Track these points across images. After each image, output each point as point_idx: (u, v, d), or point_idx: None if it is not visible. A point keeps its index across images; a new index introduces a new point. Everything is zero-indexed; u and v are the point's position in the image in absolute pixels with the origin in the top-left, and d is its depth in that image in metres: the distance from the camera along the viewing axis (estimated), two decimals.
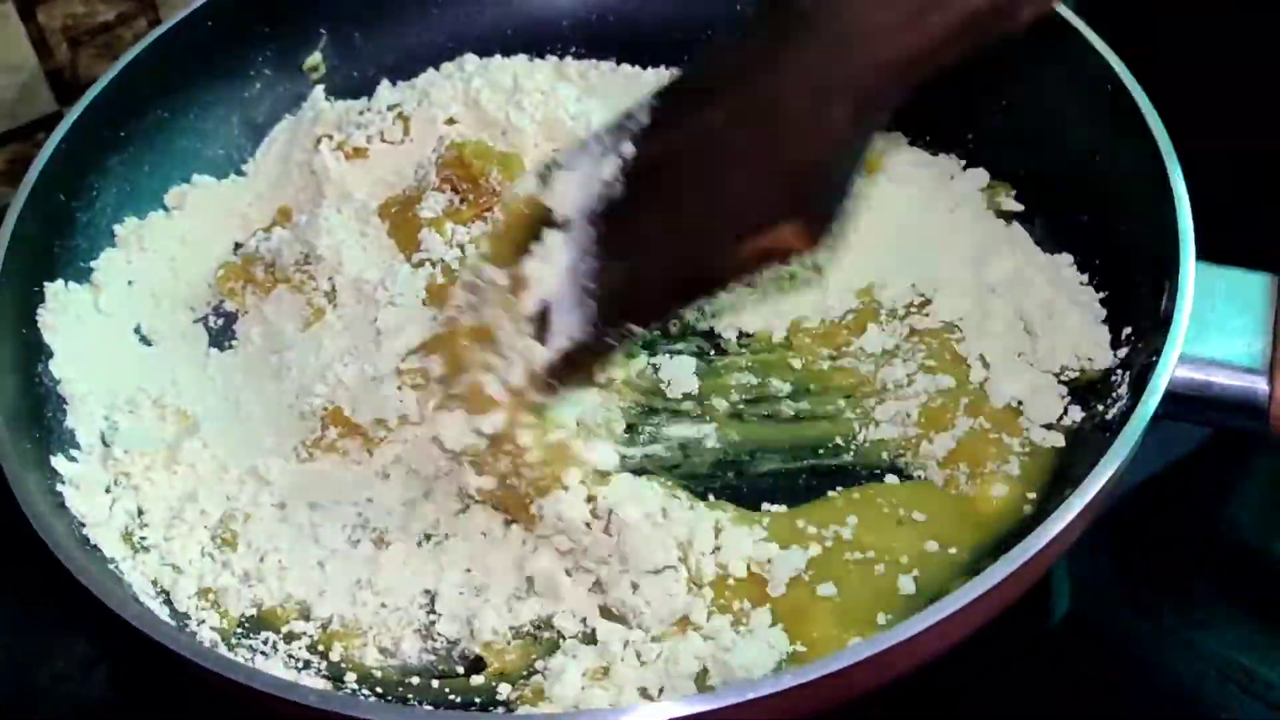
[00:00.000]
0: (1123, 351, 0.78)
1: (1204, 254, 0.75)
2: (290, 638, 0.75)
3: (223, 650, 0.71)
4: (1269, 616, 0.81)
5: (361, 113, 0.99)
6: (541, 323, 0.72)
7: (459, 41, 1.05)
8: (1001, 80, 0.91)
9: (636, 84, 1.01)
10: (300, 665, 0.73)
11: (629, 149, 0.70)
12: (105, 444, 0.82)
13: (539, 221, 0.73)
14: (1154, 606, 0.81)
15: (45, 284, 0.85)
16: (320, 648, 0.74)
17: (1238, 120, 1.01)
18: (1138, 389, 0.71)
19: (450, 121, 0.95)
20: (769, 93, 0.65)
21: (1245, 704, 0.76)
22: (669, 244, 0.68)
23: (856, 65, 0.63)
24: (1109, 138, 0.85)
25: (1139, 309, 0.78)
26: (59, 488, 0.76)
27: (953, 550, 0.75)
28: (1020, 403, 0.80)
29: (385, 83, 1.02)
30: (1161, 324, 0.73)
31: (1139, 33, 0.85)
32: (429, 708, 0.70)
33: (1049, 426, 0.79)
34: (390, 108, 0.97)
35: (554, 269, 0.71)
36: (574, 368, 0.72)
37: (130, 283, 0.91)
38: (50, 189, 0.87)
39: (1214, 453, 0.86)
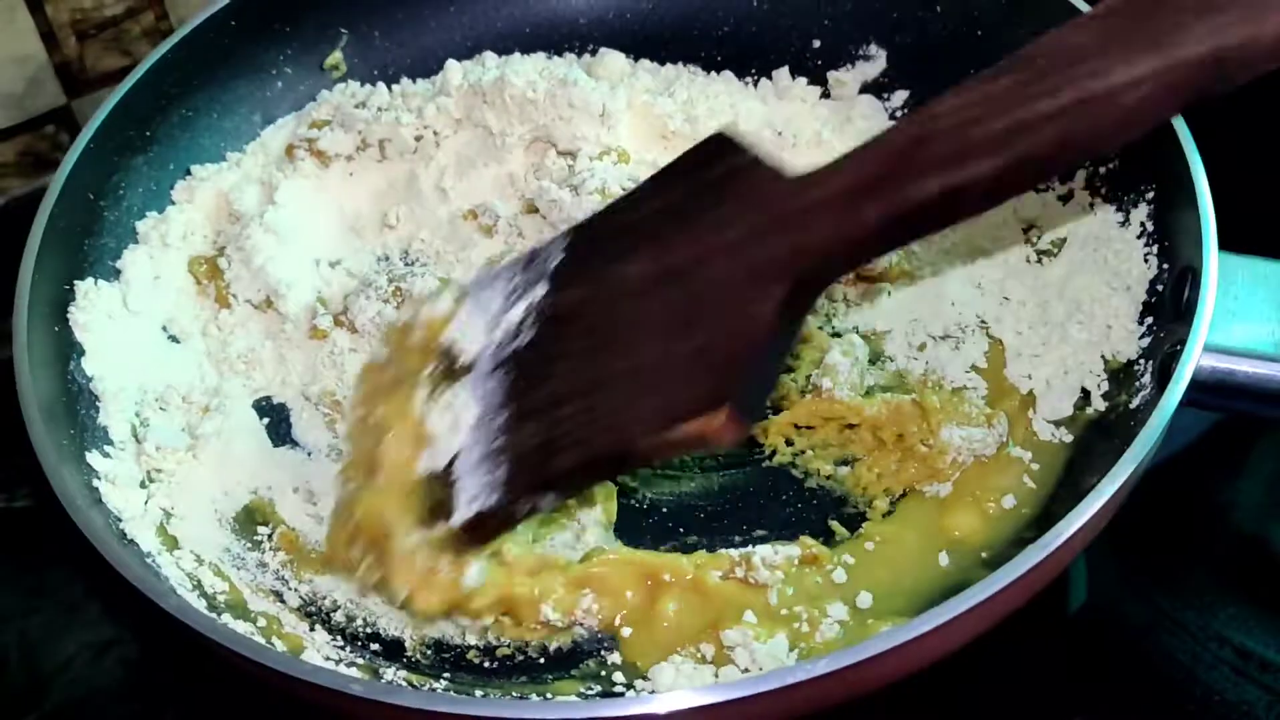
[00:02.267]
0: (1146, 341, 0.79)
1: (1223, 243, 0.75)
2: (328, 626, 0.76)
3: (259, 639, 0.72)
4: (1268, 602, 0.82)
5: (363, 104, 0.99)
6: (445, 481, 0.68)
7: (477, 40, 1.06)
8: None
9: (658, 79, 1.02)
10: (339, 657, 0.74)
11: (542, 291, 0.66)
12: (137, 440, 0.83)
13: (442, 362, 0.69)
14: (1154, 592, 0.82)
15: (76, 282, 0.86)
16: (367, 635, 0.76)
17: (1256, 108, 1.01)
18: (1163, 379, 0.72)
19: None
20: (698, 264, 0.62)
21: (1242, 686, 0.77)
22: (587, 419, 0.63)
23: (783, 255, 0.59)
24: None
25: (1161, 299, 0.79)
26: (95, 483, 0.77)
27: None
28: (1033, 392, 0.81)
29: (405, 80, 1.03)
30: (1184, 314, 0.74)
31: None
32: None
33: (1058, 423, 0.80)
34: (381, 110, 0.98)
35: (460, 423, 0.67)
36: (479, 534, 0.67)
37: (156, 278, 0.91)
38: (79, 189, 0.88)
39: (1215, 441, 0.88)
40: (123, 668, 0.82)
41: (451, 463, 0.67)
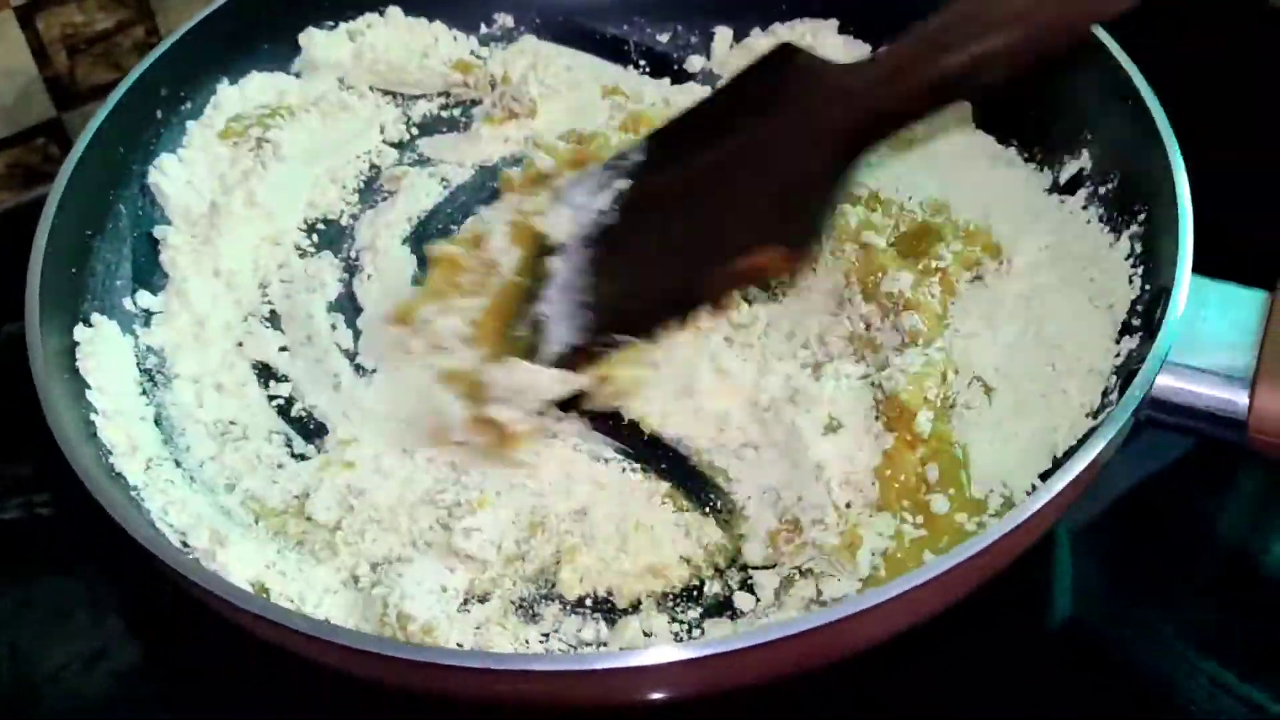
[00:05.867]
0: (1119, 360, 0.80)
1: (1211, 271, 0.76)
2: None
3: (234, 580, 0.74)
4: (1250, 617, 0.82)
5: None
6: (535, 335, 0.78)
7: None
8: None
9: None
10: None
11: (624, 183, 0.78)
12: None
13: (538, 249, 0.80)
14: (1137, 606, 0.83)
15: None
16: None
17: (1248, 135, 1.02)
18: (1123, 391, 0.73)
19: None
20: (763, 139, 0.74)
21: (1219, 698, 0.78)
22: (662, 266, 0.77)
23: (836, 119, 0.73)
24: (1123, 150, 0.87)
25: (1137, 319, 0.80)
26: (91, 417, 0.80)
27: None
28: None
29: None
30: (1155, 332, 0.75)
31: (1157, 47, 0.86)
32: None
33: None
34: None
35: (550, 288, 0.78)
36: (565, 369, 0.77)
37: None
38: (95, 159, 0.91)
39: (1200, 458, 0.87)
40: (113, 679, 0.83)
41: (541, 322, 0.79)
